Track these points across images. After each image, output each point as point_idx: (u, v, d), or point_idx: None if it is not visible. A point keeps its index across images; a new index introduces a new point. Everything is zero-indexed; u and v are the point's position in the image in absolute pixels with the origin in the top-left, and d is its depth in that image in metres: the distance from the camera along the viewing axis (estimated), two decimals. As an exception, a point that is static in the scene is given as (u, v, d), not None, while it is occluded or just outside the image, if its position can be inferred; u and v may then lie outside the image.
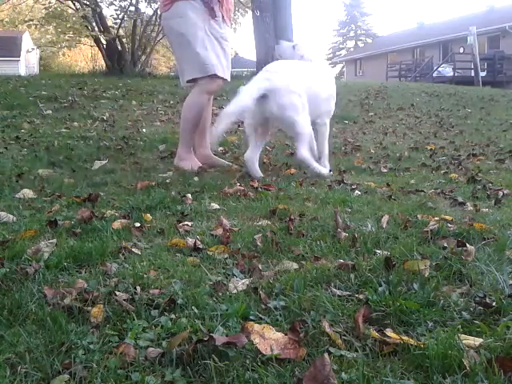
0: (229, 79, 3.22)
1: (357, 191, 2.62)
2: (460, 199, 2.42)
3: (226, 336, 1.05)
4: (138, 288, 1.30)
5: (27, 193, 2.35)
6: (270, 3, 10.73)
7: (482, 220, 2.00)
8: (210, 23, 3.06)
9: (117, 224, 1.85)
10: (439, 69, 19.58)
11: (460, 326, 1.12)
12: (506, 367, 0.94)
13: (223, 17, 3.12)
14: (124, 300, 1.23)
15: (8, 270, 1.40)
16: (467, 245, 1.60)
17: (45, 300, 1.22)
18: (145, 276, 1.38)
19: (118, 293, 1.26)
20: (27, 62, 27.40)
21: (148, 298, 1.25)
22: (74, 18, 12.00)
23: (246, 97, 2.70)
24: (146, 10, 14.03)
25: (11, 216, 1.96)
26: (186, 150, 3.20)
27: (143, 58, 12.65)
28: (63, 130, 4.57)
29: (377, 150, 4.42)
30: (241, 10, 13.72)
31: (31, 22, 13.22)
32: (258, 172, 2.92)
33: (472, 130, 5.87)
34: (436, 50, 24.57)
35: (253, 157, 2.92)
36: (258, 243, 1.67)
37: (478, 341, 1.05)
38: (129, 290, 1.29)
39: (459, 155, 4.14)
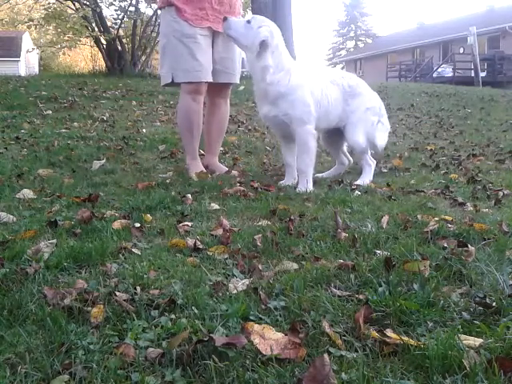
0: (204, 79, 2.99)
1: (357, 191, 2.62)
2: (460, 199, 2.42)
3: (226, 336, 1.05)
4: (138, 288, 1.30)
5: (27, 193, 2.35)
6: (270, 3, 10.74)
7: (481, 220, 2.00)
8: (175, 25, 2.95)
9: (117, 224, 1.85)
10: (439, 69, 19.58)
11: (460, 327, 1.12)
12: (506, 367, 0.94)
13: (185, 13, 2.93)
14: (124, 300, 1.23)
15: (8, 270, 1.40)
16: (468, 245, 1.60)
17: (45, 300, 1.22)
18: (145, 276, 1.38)
19: (118, 293, 1.26)
20: (27, 62, 27.40)
21: (148, 299, 1.25)
22: (74, 19, 12.00)
23: None
24: (146, 10, 14.01)
25: (11, 216, 1.96)
26: (189, 157, 3.13)
27: (143, 58, 12.66)
28: (63, 130, 4.57)
29: (377, 150, 4.41)
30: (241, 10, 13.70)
31: (31, 23, 13.21)
32: None
33: (472, 130, 5.86)
34: (436, 50, 24.58)
35: None
36: (258, 243, 1.67)
37: (478, 341, 1.05)
38: (129, 291, 1.29)
39: (459, 155, 4.14)
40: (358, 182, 2.89)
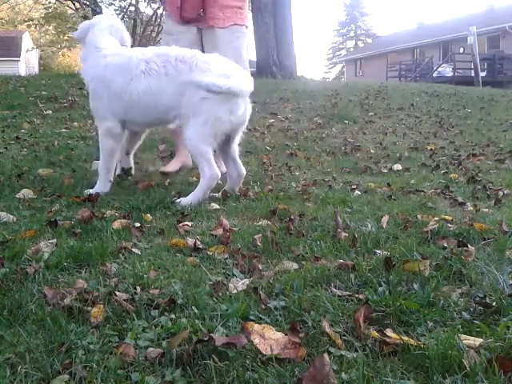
0: None
1: (357, 191, 2.62)
2: (460, 199, 2.42)
3: (226, 336, 1.05)
4: (138, 288, 1.30)
5: (27, 193, 2.35)
6: (269, 3, 10.74)
7: (481, 220, 2.00)
8: (164, 25, 3.20)
9: (117, 224, 1.85)
10: (439, 69, 19.58)
11: (460, 326, 1.12)
12: (506, 367, 0.94)
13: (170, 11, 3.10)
14: (124, 300, 1.22)
15: (8, 270, 1.39)
16: (468, 245, 1.60)
17: (45, 300, 1.22)
18: (145, 276, 1.38)
19: (117, 293, 1.26)
20: (27, 62, 27.37)
21: (148, 298, 1.25)
22: (73, 19, 12.02)
23: None
24: (146, 9, 14.01)
25: (11, 216, 1.96)
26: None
27: (143, 57, 12.67)
28: (63, 130, 4.57)
29: (377, 150, 4.42)
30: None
31: (31, 22, 13.23)
32: None
33: (472, 130, 5.86)
34: (436, 50, 24.57)
35: None
36: (258, 243, 1.67)
37: (478, 341, 1.05)
38: (129, 290, 1.29)
39: (459, 155, 4.14)
40: (177, 200, 2.27)
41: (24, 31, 25.00)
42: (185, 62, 2.39)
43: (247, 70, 3.21)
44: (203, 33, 3.09)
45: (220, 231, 1.80)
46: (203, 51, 3.07)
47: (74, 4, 12.28)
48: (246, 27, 3.20)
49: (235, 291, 1.30)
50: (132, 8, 12.25)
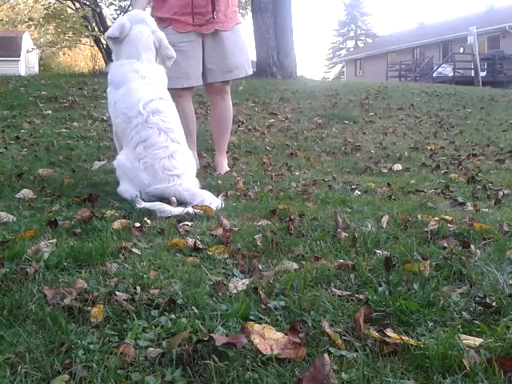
0: (185, 85, 3.04)
1: (357, 191, 2.62)
2: (460, 199, 2.42)
3: (226, 336, 1.05)
4: (138, 288, 1.30)
5: (27, 193, 2.35)
6: (269, 3, 10.74)
7: (482, 220, 2.00)
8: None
9: (117, 224, 1.85)
10: (439, 69, 19.58)
11: (460, 326, 1.12)
12: (506, 367, 0.94)
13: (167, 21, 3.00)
14: (124, 300, 1.22)
15: (8, 270, 1.40)
16: (472, 246, 1.60)
17: (45, 300, 1.22)
18: (145, 276, 1.38)
19: (117, 293, 1.26)
20: (27, 62, 27.40)
21: (148, 298, 1.25)
22: (73, 18, 12.00)
23: None
24: (146, 9, 14.03)
25: (11, 216, 1.96)
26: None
27: (143, 57, 12.63)
28: (63, 130, 4.57)
29: (377, 150, 4.42)
30: (241, 11, 13.71)
31: (31, 23, 13.20)
32: None
33: (472, 130, 5.86)
34: (436, 50, 24.58)
35: None
36: (258, 243, 1.67)
37: (478, 341, 1.05)
38: (129, 290, 1.29)
39: (459, 155, 4.14)
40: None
41: (24, 31, 25.00)
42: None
43: (250, 66, 3.25)
44: (205, 38, 3.04)
45: (220, 231, 1.80)
46: (204, 57, 3.07)
47: (74, 4, 12.25)
48: (241, 23, 3.20)
49: (235, 291, 1.30)
50: (132, 8, 12.25)
